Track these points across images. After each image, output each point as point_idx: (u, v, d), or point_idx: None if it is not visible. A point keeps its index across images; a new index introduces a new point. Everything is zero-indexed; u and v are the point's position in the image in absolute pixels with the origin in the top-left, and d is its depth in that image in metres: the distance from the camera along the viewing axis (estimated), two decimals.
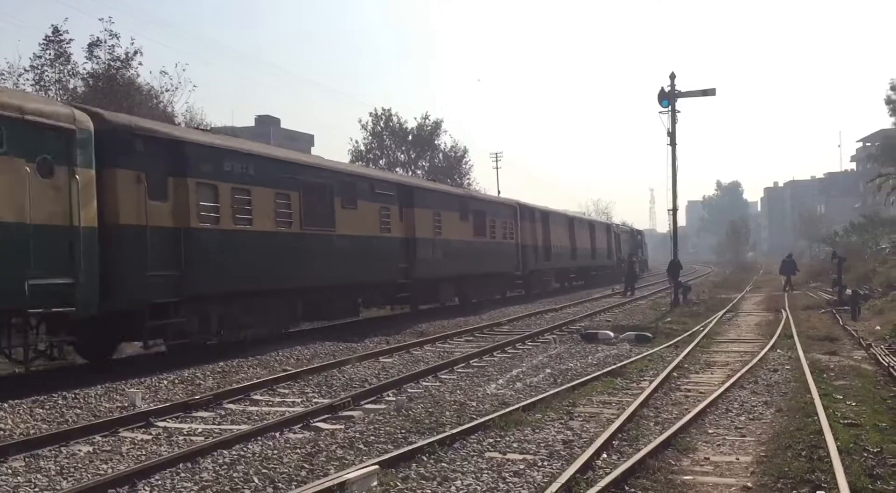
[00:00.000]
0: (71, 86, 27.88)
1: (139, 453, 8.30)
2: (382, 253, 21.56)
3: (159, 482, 7.08)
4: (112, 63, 28.55)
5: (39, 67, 27.09)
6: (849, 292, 25.97)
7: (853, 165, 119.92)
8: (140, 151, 13.34)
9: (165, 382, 12.44)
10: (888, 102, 59.01)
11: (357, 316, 22.52)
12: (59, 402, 10.76)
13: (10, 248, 10.89)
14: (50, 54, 27.22)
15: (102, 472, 7.50)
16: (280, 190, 16.96)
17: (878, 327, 19.89)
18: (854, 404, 10.38)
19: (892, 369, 12.73)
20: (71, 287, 11.63)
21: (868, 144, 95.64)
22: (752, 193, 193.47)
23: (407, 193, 23.63)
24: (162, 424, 9.67)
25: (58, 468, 7.66)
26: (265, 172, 16.61)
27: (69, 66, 27.81)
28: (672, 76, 28.89)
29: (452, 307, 27.29)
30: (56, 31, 27.19)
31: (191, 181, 14.38)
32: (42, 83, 26.87)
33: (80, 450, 8.37)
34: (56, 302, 11.45)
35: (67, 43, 27.44)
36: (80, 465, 7.76)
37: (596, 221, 53.50)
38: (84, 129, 12.15)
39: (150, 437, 9.02)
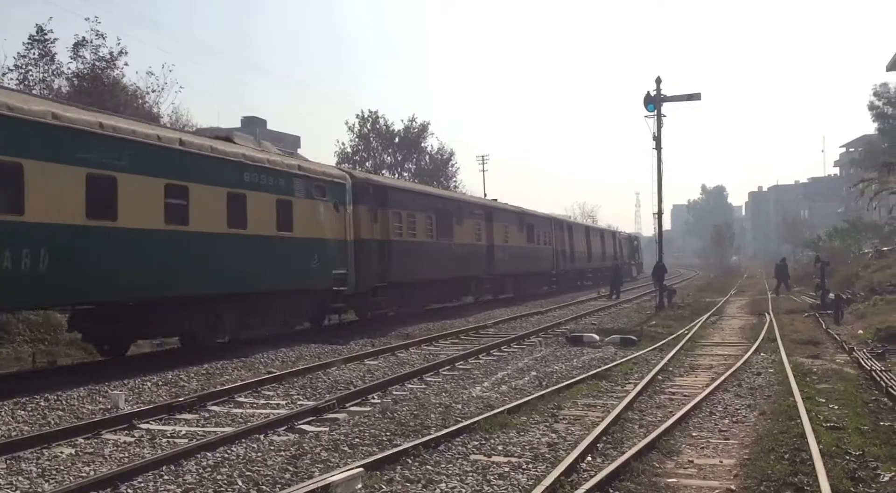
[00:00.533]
0: (55, 86, 27.70)
1: (122, 455, 8.24)
2: (476, 256, 30.63)
3: (142, 485, 7.04)
4: (97, 63, 28.40)
5: (24, 67, 26.91)
6: (832, 296, 26.15)
7: (836, 170, 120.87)
8: (370, 193, 22.03)
9: (149, 383, 12.36)
10: (871, 107, 59.78)
11: (461, 301, 30.95)
12: (42, 403, 10.67)
13: (327, 252, 19.26)
14: (34, 54, 27.05)
15: (84, 474, 7.44)
16: (427, 214, 26.21)
17: (860, 331, 20.03)
18: (836, 407, 10.45)
19: (874, 373, 12.82)
20: (345, 275, 19.97)
21: (851, 150, 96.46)
22: (737, 198, 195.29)
23: (489, 211, 32.87)
24: (145, 426, 9.61)
25: (39, 470, 7.59)
26: (420, 202, 26.17)
27: (54, 66, 27.66)
28: (658, 80, 29.04)
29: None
30: (41, 30, 27.02)
31: (390, 211, 23.23)
32: (26, 83, 26.67)
33: (62, 452, 8.30)
34: (341, 284, 19.81)
35: (52, 42, 27.27)
36: (61, 467, 7.70)
37: (604, 229, 62.42)
38: (347, 182, 20.70)
39: (133, 439, 8.96)
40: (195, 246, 14.89)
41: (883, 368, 13.42)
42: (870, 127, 66.44)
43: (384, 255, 22.37)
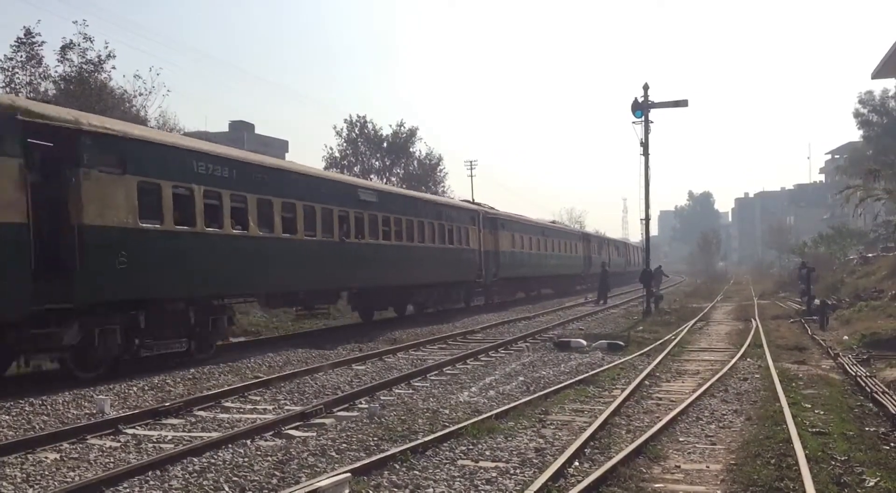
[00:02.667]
0: (42, 89, 27.53)
1: (107, 460, 8.19)
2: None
3: (127, 490, 7.00)
4: (84, 66, 28.26)
5: (10, 69, 26.76)
6: (817, 302, 26.29)
7: (822, 177, 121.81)
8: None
9: (135, 388, 12.30)
10: (856, 115, 60.14)
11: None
12: (26, 408, 10.60)
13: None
14: (21, 56, 26.89)
15: (69, 480, 7.39)
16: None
17: (845, 337, 20.16)
18: (822, 412, 10.50)
19: (859, 379, 12.90)
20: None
21: (836, 157, 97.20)
22: (724, 204, 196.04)
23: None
24: (131, 431, 9.56)
25: (24, 475, 7.54)
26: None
27: (41, 69, 27.50)
28: (646, 87, 29.15)
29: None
30: (28, 33, 26.87)
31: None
32: (13, 85, 26.52)
33: (46, 457, 8.25)
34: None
35: (40, 45, 27.12)
36: (46, 472, 7.65)
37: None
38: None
39: (118, 444, 8.91)
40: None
41: (868, 373, 13.51)
42: (855, 134, 66.93)
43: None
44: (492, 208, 36.26)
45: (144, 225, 13.78)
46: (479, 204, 36.17)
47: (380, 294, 25.11)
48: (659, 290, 40.56)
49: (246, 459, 8.04)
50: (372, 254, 22.43)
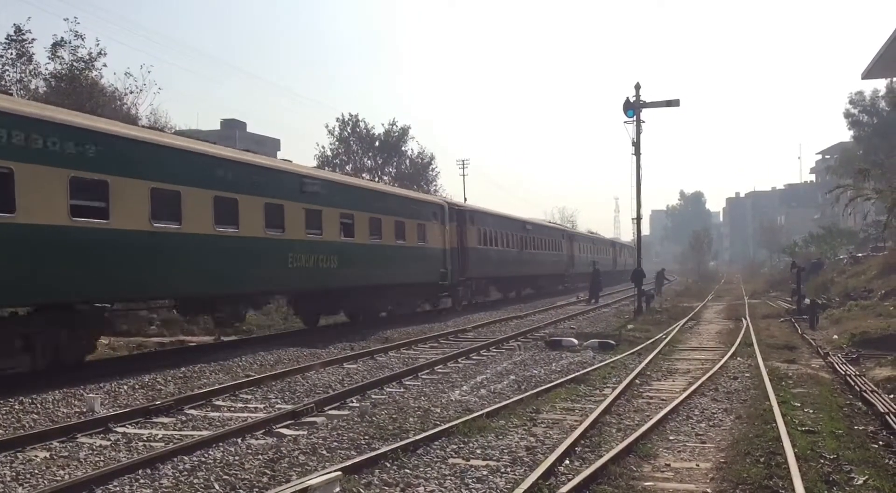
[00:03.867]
0: (32, 86, 27.40)
1: (97, 459, 8.17)
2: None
3: (118, 489, 6.98)
4: (75, 64, 28.11)
5: (0, 66, 26.61)
6: (807, 301, 26.41)
7: (813, 177, 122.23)
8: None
9: (125, 387, 12.27)
10: (847, 115, 60.41)
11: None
12: (16, 407, 10.56)
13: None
14: (11, 54, 26.72)
15: (59, 478, 7.37)
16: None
17: (835, 336, 20.25)
18: (812, 411, 10.55)
19: (848, 378, 12.97)
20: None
21: (827, 157, 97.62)
22: (715, 203, 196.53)
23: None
24: (121, 429, 9.53)
25: (13, 473, 7.51)
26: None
27: (31, 66, 27.34)
28: (637, 87, 29.20)
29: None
30: (18, 30, 26.71)
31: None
32: (3, 83, 26.36)
33: (36, 456, 8.22)
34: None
35: (30, 42, 26.96)
36: (36, 471, 7.62)
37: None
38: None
39: (108, 443, 8.89)
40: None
41: (857, 372, 13.59)
42: (845, 134, 67.30)
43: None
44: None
45: None
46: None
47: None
48: (661, 292, 41.38)
49: (237, 457, 8.03)
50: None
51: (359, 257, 22.25)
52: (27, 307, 13.50)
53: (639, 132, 29.42)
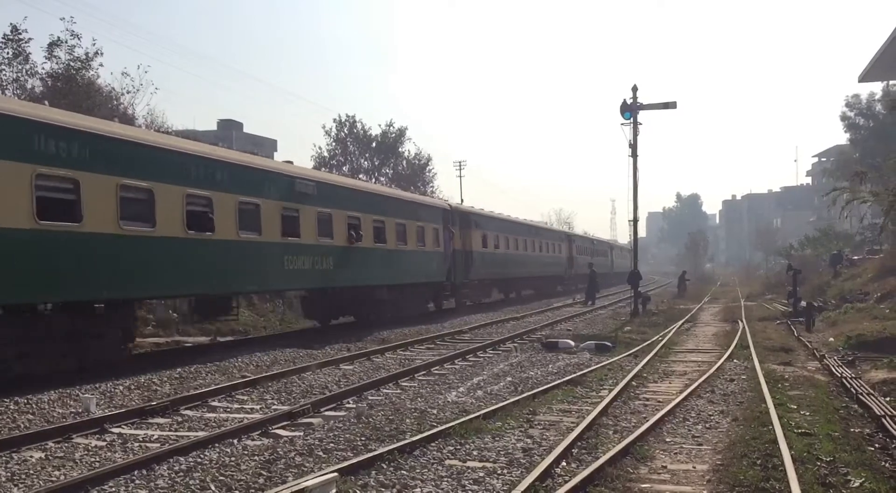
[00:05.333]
0: (29, 86, 27.35)
1: (93, 459, 8.15)
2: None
3: (113, 489, 6.96)
4: (72, 63, 28.06)
5: None
6: (803, 303, 26.44)
7: (809, 180, 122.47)
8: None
9: (121, 387, 12.24)
10: (843, 118, 60.55)
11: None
12: (11, 407, 10.53)
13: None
14: (8, 53, 26.67)
15: (55, 479, 7.35)
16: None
17: (831, 339, 20.26)
18: (808, 413, 10.55)
19: (844, 380, 12.98)
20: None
21: (823, 160, 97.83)
22: (711, 206, 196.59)
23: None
24: (117, 430, 9.51)
25: (8, 474, 7.49)
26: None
27: (28, 66, 27.29)
28: (634, 89, 29.22)
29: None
30: (15, 29, 26.65)
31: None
32: None
33: (31, 456, 8.20)
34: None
35: (27, 42, 26.92)
36: (31, 471, 7.60)
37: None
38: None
39: (104, 443, 8.87)
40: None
41: (853, 375, 13.59)
42: (842, 137, 67.36)
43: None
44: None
45: None
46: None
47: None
48: (685, 294, 42.29)
49: (232, 458, 8.01)
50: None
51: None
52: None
53: (636, 134, 29.48)
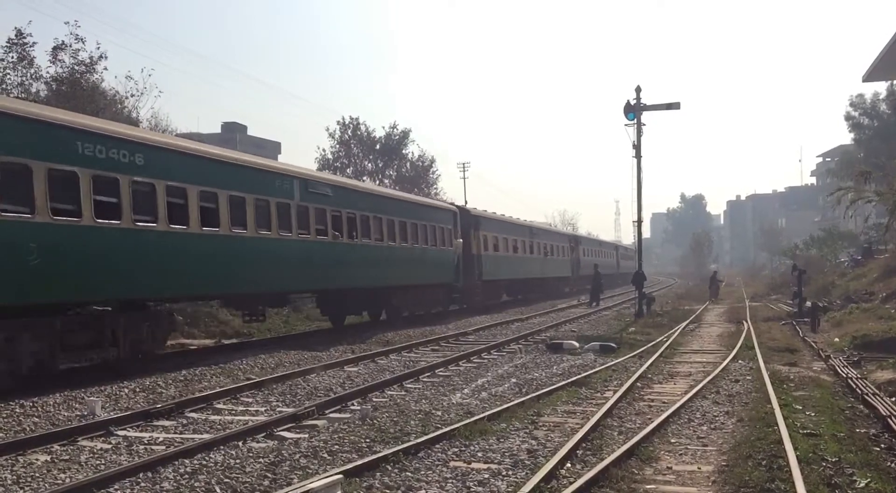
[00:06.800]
0: (34, 90, 27.40)
1: (98, 462, 8.16)
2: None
3: (118, 492, 6.97)
4: (76, 67, 28.13)
5: (2, 70, 26.62)
6: (808, 304, 26.38)
7: (813, 180, 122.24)
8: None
9: (126, 390, 12.26)
10: (847, 118, 60.55)
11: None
12: (17, 410, 10.56)
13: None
14: (12, 57, 26.74)
15: (60, 481, 7.36)
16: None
17: (836, 339, 20.23)
18: (813, 414, 10.53)
19: (850, 381, 12.96)
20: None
21: (828, 160, 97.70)
22: (716, 206, 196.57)
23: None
24: (122, 433, 9.53)
25: (14, 477, 7.50)
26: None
27: (32, 70, 27.35)
28: (638, 90, 29.19)
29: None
30: (19, 34, 26.73)
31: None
32: (4, 86, 26.39)
33: (37, 459, 8.21)
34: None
35: (31, 46, 26.99)
36: (37, 474, 7.61)
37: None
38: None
39: (109, 446, 8.88)
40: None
41: (858, 375, 13.58)
42: (846, 137, 67.41)
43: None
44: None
45: None
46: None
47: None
48: (717, 296, 42.62)
49: (238, 460, 8.02)
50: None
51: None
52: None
53: (639, 135, 29.41)
